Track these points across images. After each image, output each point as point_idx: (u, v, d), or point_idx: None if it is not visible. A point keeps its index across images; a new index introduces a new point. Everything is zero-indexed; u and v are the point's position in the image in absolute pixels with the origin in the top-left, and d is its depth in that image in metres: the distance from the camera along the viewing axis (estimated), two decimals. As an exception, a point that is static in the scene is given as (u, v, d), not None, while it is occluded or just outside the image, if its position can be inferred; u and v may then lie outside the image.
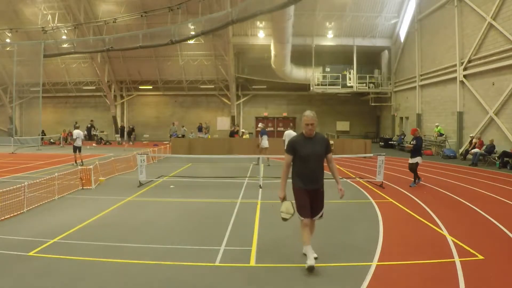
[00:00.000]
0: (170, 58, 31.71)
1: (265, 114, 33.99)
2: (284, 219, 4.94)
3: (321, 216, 5.04)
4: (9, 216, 7.23)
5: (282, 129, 33.32)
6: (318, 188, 4.92)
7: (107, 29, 26.41)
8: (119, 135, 32.46)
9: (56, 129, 31.85)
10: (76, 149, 15.78)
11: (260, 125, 19.15)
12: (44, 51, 25.04)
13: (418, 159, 10.72)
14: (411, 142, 10.91)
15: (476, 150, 16.85)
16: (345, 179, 12.33)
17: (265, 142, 16.58)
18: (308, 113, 4.82)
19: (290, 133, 17.53)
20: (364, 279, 4.45)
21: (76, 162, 15.53)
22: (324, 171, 4.99)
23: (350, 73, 29.22)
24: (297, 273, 4.66)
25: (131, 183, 11.19)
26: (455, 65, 19.97)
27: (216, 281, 4.52)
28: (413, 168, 10.83)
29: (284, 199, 4.92)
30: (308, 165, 4.82)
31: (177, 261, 5.09)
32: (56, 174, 9.23)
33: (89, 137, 28.56)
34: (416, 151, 10.71)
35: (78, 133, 16.23)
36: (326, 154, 4.94)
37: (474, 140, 17.81)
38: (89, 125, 29.34)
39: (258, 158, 15.83)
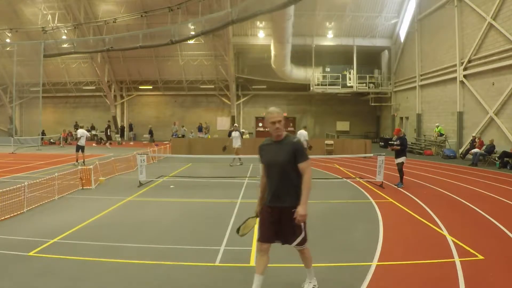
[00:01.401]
0: (170, 58, 31.73)
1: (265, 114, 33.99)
2: (242, 235, 4.07)
3: (300, 244, 3.93)
4: (9, 216, 7.22)
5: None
6: (284, 207, 3.80)
7: (107, 29, 26.43)
8: (119, 135, 32.46)
9: (56, 129, 31.83)
10: (79, 148, 15.70)
11: (235, 124, 19.13)
12: (44, 51, 25.09)
13: (403, 159, 10.74)
14: (395, 143, 10.88)
15: (476, 150, 16.84)
16: (345, 179, 12.35)
17: (238, 141, 16.35)
18: (273, 108, 3.89)
19: (301, 133, 17.29)
20: (364, 279, 4.45)
21: (77, 162, 15.47)
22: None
23: (350, 73, 29.22)
24: (297, 273, 4.66)
25: (131, 183, 11.19)
26: (455, 65, 19.98)
27: (216, 281, 4.52)
28: (400, 168, 10.84)
29: (257, 215, 4.04)
30: (270, 176, 3.89)
31: (177, 261, 5.09)
32: (56, 174, 9.23)
33: (107, 137, 28.64)
34: (401, 151, 10.73)
35: (83, 132, 16.11)
36: (296, 163, 3.78)
37: (476, 140, 17.71)
38: (107, 126, 29.34)
39: (233, 159, 15.81)
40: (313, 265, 4.27)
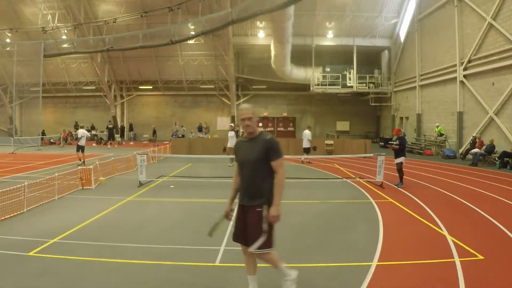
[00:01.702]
0: (170, 58, 31.74)
1: (265, 114, 33.97)
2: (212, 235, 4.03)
3: (259, 250, 3.62)
4: (9, 216, 7.22)
5: (282, 129, 33.39)
6: (250, 205, 3.69)
7: (107, 29, 26.43)
8: (119, 135, 32.45)
9: (56, 129, 31.85)
10: (79, 148, 15.70)
11: (231, 124, 19.10)
12: (44, 51, 25.07)
13: (402, 159, 10.74)
14: (395, 142, 10.87)
15: (476, 150, 16.84)
16: (345, 179, 12.35)
17: (232, 141, 16.28)
18: (244, 105, 3.89)
19: (306, 133, 17.44)
20: (364, 279, 4.45)
21: (80, 160, 15.46)
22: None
23: (350, 73, 29.23)
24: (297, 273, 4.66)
25: (131, 183, 11.19)
26: (455, 65, 19.98)
27: (216, 281, 4.52)
28: (399, 168, 10.84)
29: (226, 215, 3.99)
30: (242, 174, 3.83)
31: (177, 261, 5.08)
32: (56, 174, 9.23)
33: (109, 137, 28.48)
34: (401, 151, 10.73)
35: (83, 132, 16.09)
36: (268, 161, 3.69)
37: (476, 140, 17.66)
38: (109, 126, 29.21)
39: (232, 159, 15.78)
40: (313, 265, 4.26)
